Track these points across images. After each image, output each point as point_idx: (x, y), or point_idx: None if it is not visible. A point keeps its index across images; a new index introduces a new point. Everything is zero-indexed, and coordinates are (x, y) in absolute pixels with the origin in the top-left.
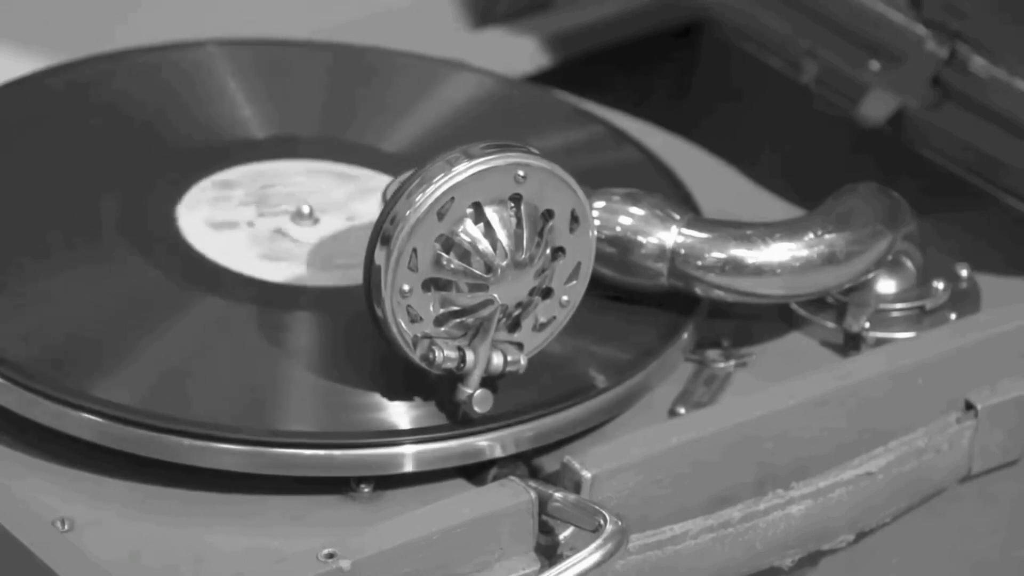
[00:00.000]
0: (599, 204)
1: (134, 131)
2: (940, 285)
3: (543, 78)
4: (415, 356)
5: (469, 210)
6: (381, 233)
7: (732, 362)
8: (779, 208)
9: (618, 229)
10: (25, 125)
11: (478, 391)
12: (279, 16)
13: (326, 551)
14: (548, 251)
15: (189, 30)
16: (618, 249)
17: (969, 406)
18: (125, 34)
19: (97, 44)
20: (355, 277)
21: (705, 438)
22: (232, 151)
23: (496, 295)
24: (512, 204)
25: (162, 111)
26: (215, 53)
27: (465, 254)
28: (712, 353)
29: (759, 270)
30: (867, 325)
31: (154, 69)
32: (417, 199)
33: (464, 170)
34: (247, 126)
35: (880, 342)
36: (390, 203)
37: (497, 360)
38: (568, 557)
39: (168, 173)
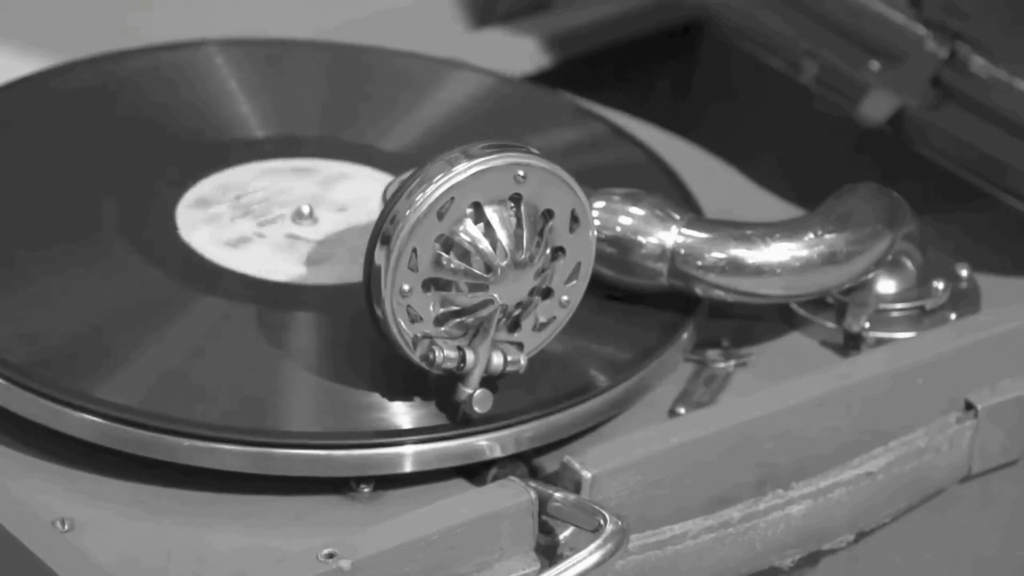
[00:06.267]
0: (599, 204)
1: (134, 131)
2: (940, 285)
3: (543, 78)
4: (415, 356)
5: (469, 210)
6: (381, 233)
7: (732, 362)
8: (779, 208)
9: (618, 229)
10: (25, 126)
11: (478, 391)
12: (279, 16)
13: (326, 551)
14: (548, 251)
15: (189, 30)
16: (618, 249)
17: (969, 406)
18: (125, 34)
19: (97, 44)
20: (355, 277)
21: (705, 438)
22: (232, 151)
23: (496, 295)
24: (512, 204)
25: (162, 111)
26: (214, 53)
27: (465, 254)
28: (712, 353)
29: (759, 270)
30: (867, 325)
31: (153, 69)
32: (417, 199)
33: (464, 170)
34: (247, 126)
35: (880, 342)
36: (390, 203)
37: (497, 360)
38: (568, 557)
39: (168, 173)
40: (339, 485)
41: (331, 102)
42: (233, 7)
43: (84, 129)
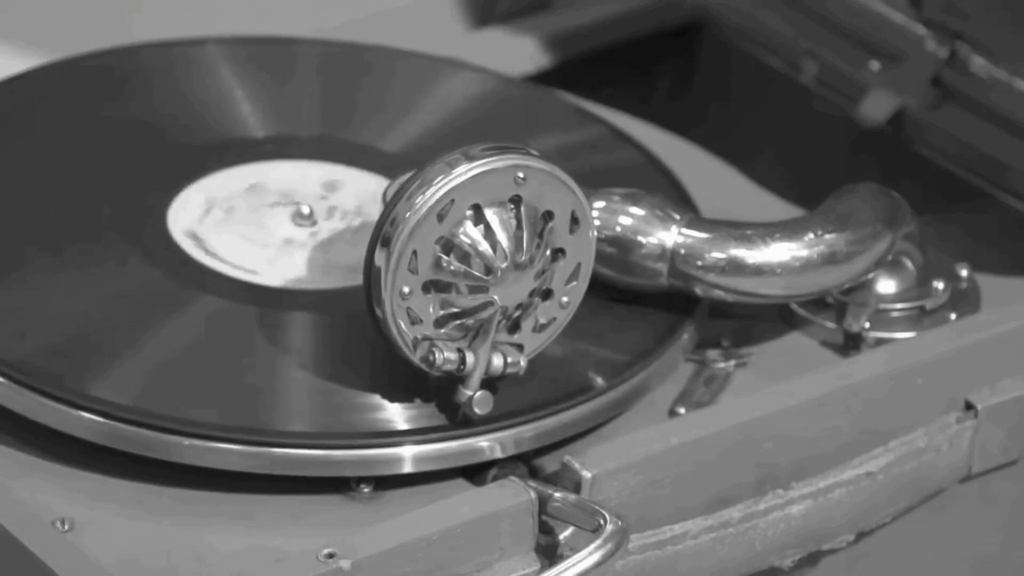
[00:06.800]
0: (599, 204)
1: (133, 129)
2: (940, 285)
3: (543, 78)
4: (415, 358)
5: (469, 212)
6: (381, 235)
7: (732, 362)
8: (779, 208)
9: (618, 229)
10: (22, 122)
11: (478, 393)
12: (279, 15)
13: (326, 551)
14: (548, 252)
15: (189, 28)
16: (618, 249)
17: (969, 406)
18: (125, 33)
19: (97, 43)
20: (355, 278)
21: (705, 438)
22: (231, 150)
23: (496, 297)
24: (512, 206)
25: (161, 109)
26: (214, 51)
27: (465, 256)
28: (712, 353)
29: (759, 270)
30: (867, 325)
31: (153, 67)
32: (417, 201)
33: (464, 172)
34: (246, 125)
35: (880, 342)
36: (390, 205)
37: (497, 362)
38: (568, 557)
39: (167, 172)
40: (339, 485)
41: (331, 102)
42: (233, 6)
43: (82, 126)
